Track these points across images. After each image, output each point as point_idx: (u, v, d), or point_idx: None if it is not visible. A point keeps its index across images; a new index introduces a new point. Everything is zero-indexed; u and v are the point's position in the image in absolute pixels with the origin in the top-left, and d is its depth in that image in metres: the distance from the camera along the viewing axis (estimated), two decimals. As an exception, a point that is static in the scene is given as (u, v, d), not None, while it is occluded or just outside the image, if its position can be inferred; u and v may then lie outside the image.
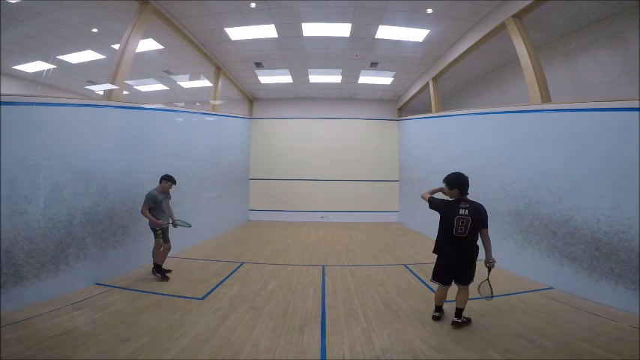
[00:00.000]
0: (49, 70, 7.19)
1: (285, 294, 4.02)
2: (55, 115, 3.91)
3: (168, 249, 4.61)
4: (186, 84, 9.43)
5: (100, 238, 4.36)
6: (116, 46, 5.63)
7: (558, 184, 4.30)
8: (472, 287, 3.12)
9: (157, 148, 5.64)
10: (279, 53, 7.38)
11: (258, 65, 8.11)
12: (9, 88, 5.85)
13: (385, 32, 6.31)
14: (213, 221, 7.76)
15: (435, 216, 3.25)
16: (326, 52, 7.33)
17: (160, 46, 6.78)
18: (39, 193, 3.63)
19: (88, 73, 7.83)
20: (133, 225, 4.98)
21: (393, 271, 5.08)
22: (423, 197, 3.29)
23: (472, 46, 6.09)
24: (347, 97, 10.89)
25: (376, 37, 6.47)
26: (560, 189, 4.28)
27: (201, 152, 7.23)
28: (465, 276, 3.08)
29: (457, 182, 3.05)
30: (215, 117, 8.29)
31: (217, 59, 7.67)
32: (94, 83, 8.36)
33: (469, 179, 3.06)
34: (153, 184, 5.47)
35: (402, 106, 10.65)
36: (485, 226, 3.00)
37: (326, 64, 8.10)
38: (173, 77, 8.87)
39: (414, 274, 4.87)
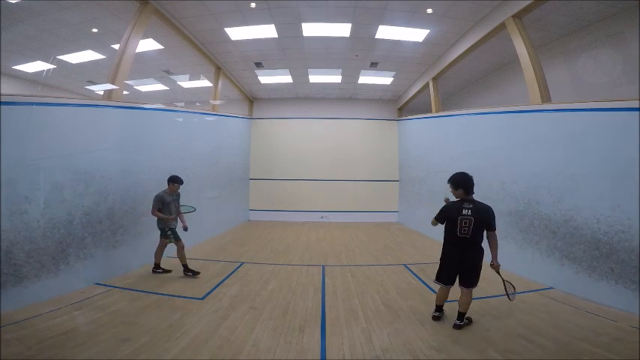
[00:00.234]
0: (49, 70, 7.19)
1: (285, 294, 4.02)
2: (55, 115, 3.91)
3: (182, 246, 4.67)
4: (186, 84, 9.43)
5: (100, 238, 4.36)
6: (116, 46, 5.63)
7: (558, 184, 4.30)
8: (475, 292, 3.11)
9: (157, 148, 5.64)
10: (279, 53, 7.38)
11: (258, 65, 8.11)
12: (9, 88, 5.85)
13: (385, 32, 6.31)
14: (213, 221, 7.76)
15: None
16: (326, 52, 7.33)
17: (160, 46, 6.78)
18: (39, 193, 3.63)
19: (88, 73, 7.83)
20: (133, 225, 4.98)
21: (393, 271, 5.08)
22: (432, 224, 3.23)
23: (472, 46, 6.09)
24: (347, 97, 10.89)
25: (376, 37, 6.48)
26: (560, 189, 4.28)
27: (201, 152, 7.23)
28: (468, 278, 3.04)
29: (461, 182, 3.04)
30: (215, 117, 8.30)
31: (217, 59, 7.67)
32: (94, 83, 8.36)
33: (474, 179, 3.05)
34: (153, 184, 5.48)
35: (402, 106, 10.66)
36: (493, 229, 2.97)
37: (326, 64, 8.10)
38: (173, 77, 8.87)
39: (414, 274, 4.87)
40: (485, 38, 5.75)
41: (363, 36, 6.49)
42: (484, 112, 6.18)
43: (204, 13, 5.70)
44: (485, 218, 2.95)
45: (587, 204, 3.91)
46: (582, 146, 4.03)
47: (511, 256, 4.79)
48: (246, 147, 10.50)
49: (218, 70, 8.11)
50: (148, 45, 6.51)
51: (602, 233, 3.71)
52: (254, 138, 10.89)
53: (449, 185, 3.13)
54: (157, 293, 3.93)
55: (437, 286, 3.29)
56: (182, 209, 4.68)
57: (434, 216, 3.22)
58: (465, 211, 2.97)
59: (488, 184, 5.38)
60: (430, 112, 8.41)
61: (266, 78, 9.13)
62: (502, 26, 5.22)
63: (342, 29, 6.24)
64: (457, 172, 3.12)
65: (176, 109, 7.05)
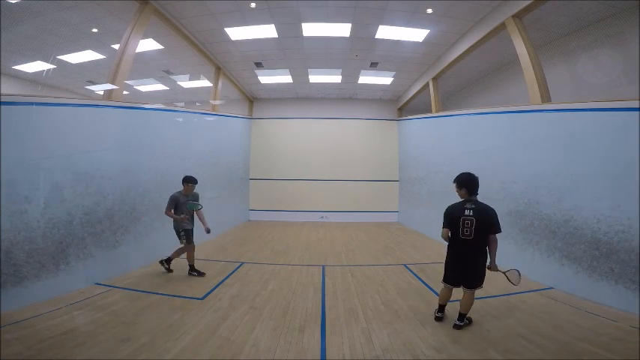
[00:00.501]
0: (49, 70, 7.19)
1: (285, 294, 4.02)
2: (55, 115, 3.91)
3: (193, 248, 4.69)
4: (186, 84, 9.43)
5: (100, 238, 4.36)
6: (116, 46, 5.63)
7: (558, 184, 4.30)
8: (478, 292, 3.11)
9: (157, 148, 5.64)
10: (279, 53, 7.38)
11: (258, 65, 8.12)
12: (9, 88, 5.86)
13: (385, 32, 6.31)
14: (213, 221, 7.70)
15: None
16: (326, 52, 7.33)
17: (160, 46, 6.78)
18: (39, 193, 3.63)
19: (88, 73, 7.83)
20: (133, 225, 4.98)
21: (393, 271, 5.08)
22: (444, 236, 3.15)
23: (472, 46, 6.09)
24: (347, 97, 10.89)
25: (376, 37, 6.48)
26: (560, 189, 4.28)
27: (201, 152, 7.23)
28: (470, 279, 3.03)
29: (465, 182, 3.04)
30: (215, 117, 8.30)
31: (217, 59, 7.67)
32: (94, 83, 8.36)
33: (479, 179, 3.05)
34: (153, 184, 5.49)
35: (402, 106, 10.66)
36: (496, 231, 2.93)
37: (326, 64, 8.10)
38: (173, 77, 8.87)
39: (414, 274, 4.87)
40: (485, 38, 5.75)
41: (363, 36, 6.49)
42: (484, 112, 6.18)
43: (204, 13, 5.70)
44: (487, 219, 2.93)
45: (587, 204, 3.90)
46: (582, 146, 4.03)
47: (511, 256, 4.77)
48: (246, 147, 10.50)
49: (218, 70, 8.11)
50: (148, 45, 6.51)
51: (602, 233, 3.70)
52: (254, 138, 10.89)
53: (454, 184, 3.14)
54: (157, 293, 3.93)
55: (441, 286, 3.28)
56: (188, 206, 4.60)
57: (442, 227, 3.12)
58: (467, 212, 2.96)
59: (488, 184, 5.35)
60: (430, 112, 8.41)
61: (266, 78, 9.13)
62: (502, 26, 5.22)
63: (342, 29, 6.24)
64: (463, 172, 3.12)
65: (176, 109, 7.05)
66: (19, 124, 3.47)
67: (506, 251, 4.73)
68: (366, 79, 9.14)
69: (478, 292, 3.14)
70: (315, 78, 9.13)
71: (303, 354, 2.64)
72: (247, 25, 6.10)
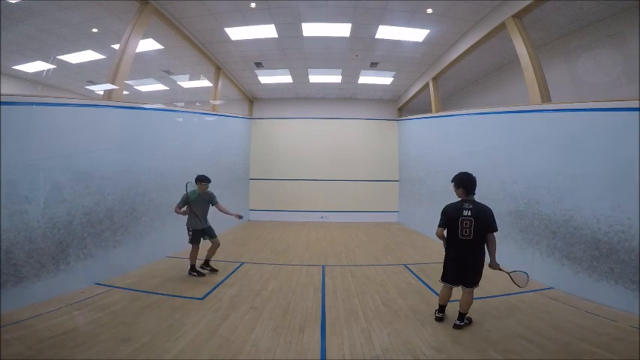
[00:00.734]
0: (49, 70, 7.19)
1: (285, 294, 4.01)
2: (55, 115, 3.91)
3: (197, 250, 4.64)
4: (186, 84, 9.43)
5: (100, 238, 4.36)
6: (116, 46, 5.63)
7: (558, 184, 4.30)
8: (475, 291, 3.11)
9: (157, 148, 5.64)
10: (279, 53, 7.38)
11: (258, 65, 8.12)
12: (9, 88, 5.85)
13: (385, 32, 6.31)
14: (214, 221, 7.73)
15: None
16: (326, 52, 7.33)
17: (160, 46, 6.78)
18: (39, 193, 3.63)
19: (88, 73, 7.83)
20: (133, 225, 4.98)
21: (393, 271, 5.08)
22: (438, 235, 3.20)
23: (472, 46, 6.09)
24: (347, 97, 10.89)
25: (376, 37, 6.48)
26: (560, 189, 4.28)
27: (201, 152, 7.23)
28: (469, 278, 3.04)
29: (462, 181, 3.06)
30: (215, 117, 8.30)
31: (217, 59, 7.67)
32: (94, 83, 8.37)
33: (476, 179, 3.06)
34: (153, 184, 5.49)
35: (402, 106, 10.66)
36: (494, 230, 2.95)
37: (326, 64, 8.10)
38: (173, 77, 8.88)
39: (414, 274, 4.87)
40: (485, 38, 5.75)
41: (363, 36, 6.49)
42: (484, 112, 6.18)
43: (204, 13, 5.70)
44: (484, 218, 2.94)
45: (587, 204, 3.90)
46: (582, 146, 4.02)
47: (511, 256, 4.78)
48: (246, 147, 10.50)
49: (218, 70, 8.11)
50: (148, 45, 6.51)
51: (602, 233, 3.70)
52: (254, 138, 10.89)
53: (452, 184, 3.15)
54: (157, 293, 3.93)
55: (440, 286, 3.28)
56: (190, 196, 4.51)
57: (438, 226, 3.16)
58: (465, 212, 2.97)
59: (488, 184, 5.36)
60: (430, 112, 8.41)
61: (266, 78, 9.13)
62: (502, 26, 5.22)
63: (342, 29, 6.24)
64: (461, 171, 3.14)
65: (176, 109, 7.05)
66: (19, 124, 3.47)
67: (507, 251, 4.74)
68: (366, 79, 9.13)
69: (478, 292, 3.15)
70: (315, 78, 9.12)
71: (303, 354, 2.64)
72: (247, 25, 6.10)
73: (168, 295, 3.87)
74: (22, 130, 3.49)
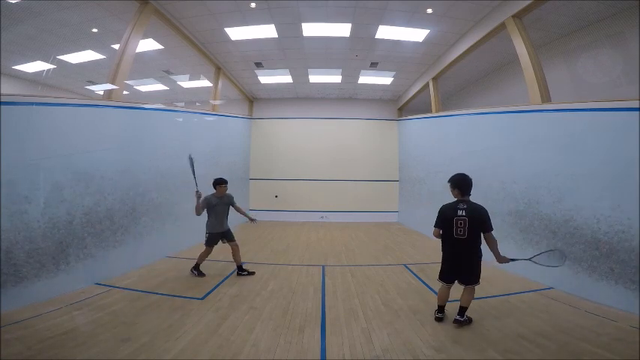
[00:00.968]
0: (49, 70, 7.19)
1: (285, 294, 4.01)
2: (55, 115, 3.91)
3: (209, 253, 4.65)
4: (186, 84, 9.43)
5: (100, 238, 4.36)
6: (116, 46, 5.63)
7: (558, 184, 4.30)
8: (475, 292, 3.13)
9: (157, 148, 5.64)
10: (279, 53, 7.39)
11: (258, 65, 8.12)
12: (9, 88, 5.86)
13: (385, 32, 6.31)
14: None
15: (435, 216, 3.26)
16: (326, 52, 7.33)
17: (160, 46, 6.78)
18: (39, 193, 3.63)
19: (88, 73, 7.83)
20: (133, 225, 4.98)
21: (393, 271, 5.08)
22: (435, 235, 3.25)
23: (472, 46, 6.09)
24: (347, 97, 10.89)
25: (376, 37, 6.48)
26: (560, 189, 4.28)
27: (201, 152, 7.19)
28: (467, 277, 3.08)
29: (458, 182, 3.12)
30: (215, 117, 8.30)
31: (217, 59, 7.67)
32: (94, 83, 8.37)
33: (472, 181, 3.11)
34: (153, 184, 5.49)
35: (402, 106, 10.66)
36: (489, 229, 3.00)
37: (326, 64, 8.10)
38: (173, 77, 8.88)
39: (414, 274, 4.87)
40: (485, 38, 5.75)
41: (363, 36, 6.49)
42: (484, 112, 6.17)
43: (204, 13, 5.70)
44: (478, 217, 2.99)
45: (587, 204, 3.90)
46: (582, 146, 4.02)
47: (511, 256, 4.78)
48: (246, 147, 10.50)
49: (218, 70, 8.11)
50: (148, 45, 6.51)
51: (602, 233, 3.70)
52: (254, 138, 10.89)
53: (449, 184, 3.20)
54: (157, 293, 3.93)
55: (438, 285, 3.30)
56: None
57: (433, 226, 3.22)
58: (459, 212, 3.03)
59: (488, 184, 5.38)
60: (430, 112, 8.41)
61: (266, 78, 9.13)
62: (502, 26, 5.22)
63: (342, 29, 6.24)
64: (458, 172, 3.19)
65: (176, 109, 7.05)
66: (19, 124, 3.47)
67: (507, 251, 4.71)
68: (366, 79, 9.13)
69: (478, 292, 3.17)
70: (315, 78, 9.12)
71: (303, 354, 2.64)
72: (247, 25, 6.10)
73: (168, 295, 3.86)
74: (22, 130, 3.49)
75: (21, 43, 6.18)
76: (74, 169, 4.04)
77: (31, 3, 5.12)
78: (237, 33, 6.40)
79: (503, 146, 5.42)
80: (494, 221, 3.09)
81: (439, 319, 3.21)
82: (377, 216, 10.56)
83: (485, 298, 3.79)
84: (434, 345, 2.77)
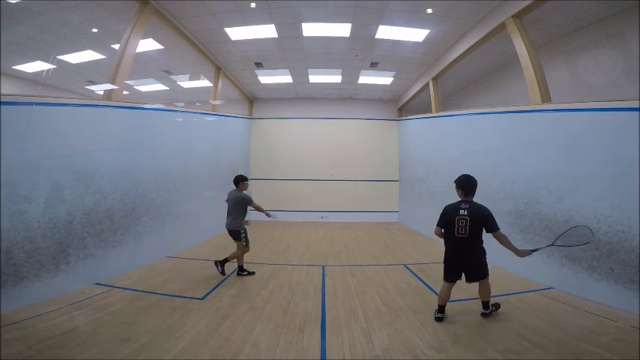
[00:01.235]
0: (49, 70, 7.19)
1: (285, 294, 4.02)
2: (55, 115, 3.92)
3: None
4: (186, 84, 9.43)
5: (100, 238, 4.36)
6: (116, 46, 5.63)
7: (558, 184, 4.30)
8: (475, 292, 3.14)
9: (157, 148, 5.64)
10: (279, 53, 7.38)
11: (258, 65, 8.11)
12: (9, 88, 5.85)
13: (385, 32, 6.31)
14: (213, 221, 7.75)
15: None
16: (326, 52, 7.33)
17: (160, 46, 6.78)
18: (39, 193, 3.63)
19: (88, 73, 7.83)
20: (133, 225, 4.98)
21: (393, 271, 5.08)
22: (437, 234, 3.31)
23: (472, 46, 6.09)
24: (347, 97, 10.89)
25: (376, 37, 6.47)
26: (560, 189, 4.28)
27: (201, 152, 7.23)
28: (474, 274, 3.16)
29: (462, 183, 3.20)
30: (215, 117, 8.29)
31: (217, 59, 7.67)
32: (94, 83, 8.36)
33: (477, 182, 3.17)
34: (153, 184, 5.49)
35: (402, 106, 10.66)
36: (494, 229, 3.03)
37: (326, 64, 8.10)
38: (173, 77, 8.87)
39: (414, 274, 4.87)
40: (485, 38, 5.74)
41: (363, 36, 6.49)
42: (484, 112, 6.17)
43: (204, 13, 5.70)
44: (480, 217, 3.03)
45: (587, 204, 3.90)
46: (582, 146, 4.02)
47: (511, 256, 4.77)
48: (246, 147, 10.50)
49: (218, 70, 8.10)
50: (148, 45, 6.50)
51: (602, 233, 3.70)
52: (254, 138, 10.89)
53: (454, 185, 3.28)
54: (157, 293, 3.93)
55: (440, 284, 3.31)
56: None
57: (437, 224, 3.27)
58: (461, 212, 3.08)
59: (488, 184, 5.36)
60: (430, 112, 8.41)
61: (266, 78, 9.13)
62: (502, 26, 5.21)
63: (342, 29, 6.24)
64: (464, 173, 3.27)
65: (176, 109, 7.05)
66: (19, 124, 3.47)
67: (507, 251, 4.74)
68: (366, 79, 9.13)
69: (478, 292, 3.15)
70: (315, 78, 9.12)
71: (303, 354, 2.64)
72: (247, 25, 6.10)
73: (168, 295, 3.87)
74: (22, 130, 3.49)
75: (21, 43, 6.18)
76: (74, 169, 4.04)
77: (31, 3, 5.12)
78: (237, 33, 6.40)
79: (503, 146, 5.42)
80: (495, 221, 3.09)
81: (439, 319, 3.22)
82: (377, 216, 10.55)
83: (486, 298, 3.78)
84: (434, 345, 2.77)
